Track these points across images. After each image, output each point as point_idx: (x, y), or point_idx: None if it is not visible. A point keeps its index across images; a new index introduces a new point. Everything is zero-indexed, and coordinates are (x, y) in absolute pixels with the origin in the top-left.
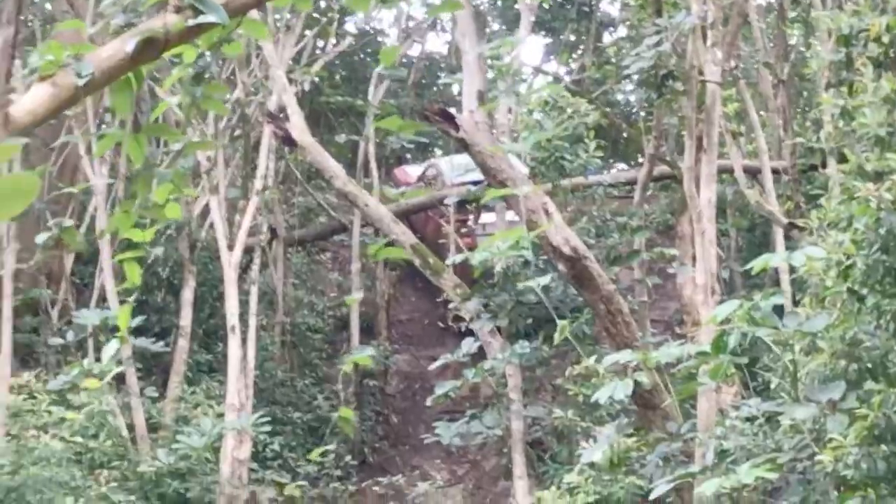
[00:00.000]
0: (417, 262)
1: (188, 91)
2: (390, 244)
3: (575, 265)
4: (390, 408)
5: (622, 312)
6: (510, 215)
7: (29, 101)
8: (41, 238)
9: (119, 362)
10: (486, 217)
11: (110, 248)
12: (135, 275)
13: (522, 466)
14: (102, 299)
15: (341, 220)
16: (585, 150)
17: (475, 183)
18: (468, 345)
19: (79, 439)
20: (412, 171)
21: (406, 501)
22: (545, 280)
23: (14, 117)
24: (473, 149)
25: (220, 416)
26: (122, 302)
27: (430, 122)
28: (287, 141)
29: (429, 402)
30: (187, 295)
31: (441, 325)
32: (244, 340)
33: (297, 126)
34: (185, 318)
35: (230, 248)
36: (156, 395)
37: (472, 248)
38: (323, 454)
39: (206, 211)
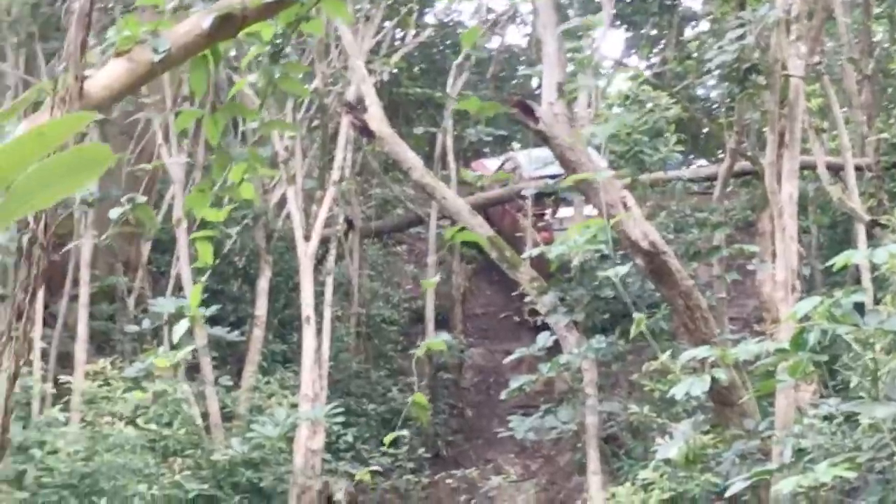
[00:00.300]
0: (494, 254)
1: (265, 70)
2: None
3: (653, 260)
4: (464, 401)
5: (700, 308)
6: (588, 210)
7: (105, 76)
8: (115, 213)
9: (194, 350)
10: (564, 211)
11: (187, 237)
12: (207, 254)
13: (597, 462)
14: (179, 288)
15: (418, 212)
16: (665, 145)
17: (553, 177)
18: (543, 339)
19: (153, 427)
20: (490, 164)
21: (479, 495)
22: (623, 269)
23: (89, 92)
24: (552, 141)
25: (294, 406)
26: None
27: (509, 114)
28: (365, 132)
29: (503, 396)
30: (263, 285)
31: (517, 318)
32: (319, 331)
33: (375, 116)
34: (261, 308)
35: (306, 238)
36: (230, 384)
37: (549, 242)
38: (394, 443)
39: (282, 201)
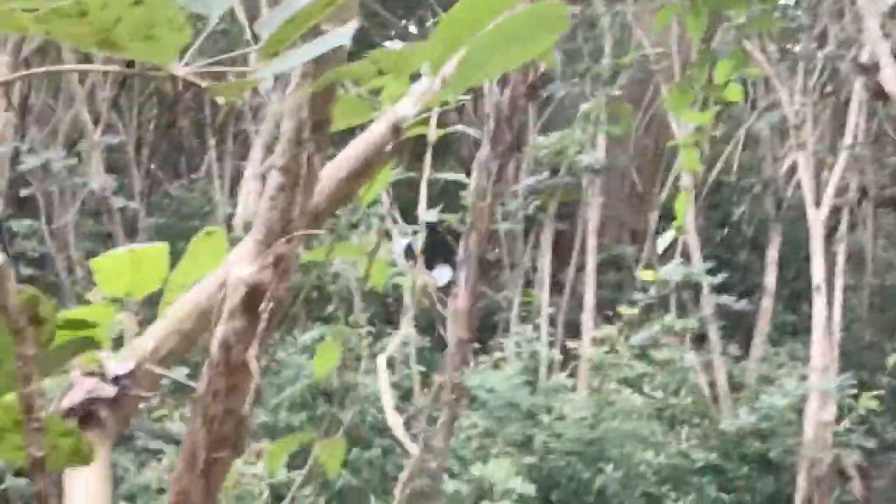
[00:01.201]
0: None
1: None
2: None
3: None
4: None
5: None
6: None
7: None
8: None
9: (701, 319)
10: None
11: (691, 202)
12: (693, 162)
13: None
14: (686, 256)
15: None
16: None
17: None
18: None
19: (659, 395)
20: None
21: None
22: None
23: None
24: None
25: (804, 377)
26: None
27: None
28: (879, 94)
29: None
30: (772, 254)
31: None
32: (829, 302)
33: (891, 78)
34: (770, 278)
35: (817, 206)
36: (738, 354)
37: None
38: None
39: (792, 168)
